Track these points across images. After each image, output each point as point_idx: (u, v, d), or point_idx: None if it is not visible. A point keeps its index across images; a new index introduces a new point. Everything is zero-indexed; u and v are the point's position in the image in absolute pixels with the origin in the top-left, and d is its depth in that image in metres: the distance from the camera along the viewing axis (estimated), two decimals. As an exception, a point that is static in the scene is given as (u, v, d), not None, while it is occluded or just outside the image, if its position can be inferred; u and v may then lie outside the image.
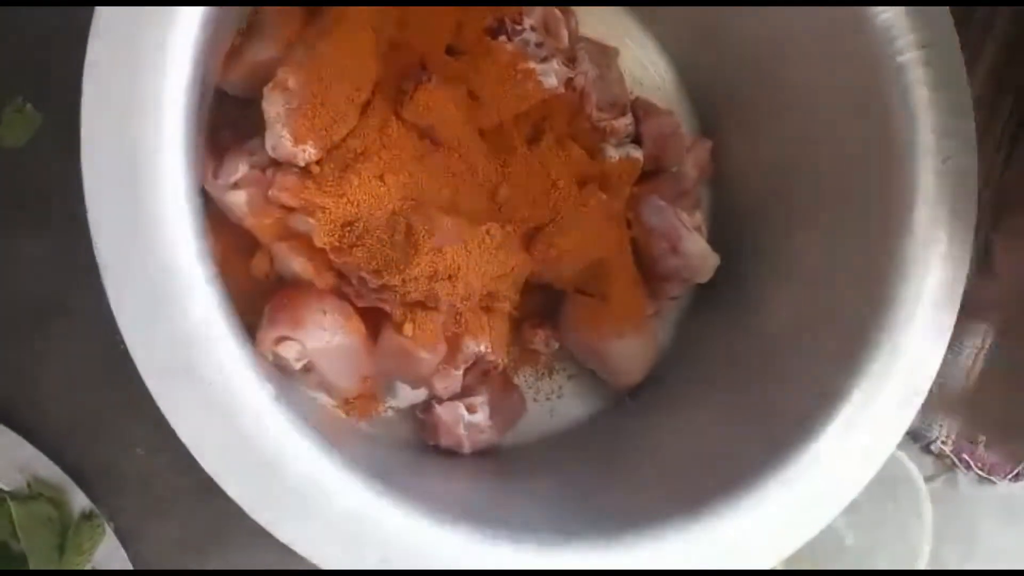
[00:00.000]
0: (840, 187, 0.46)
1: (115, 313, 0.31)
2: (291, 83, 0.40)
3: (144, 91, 0.31)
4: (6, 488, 0.46)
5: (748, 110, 0.52)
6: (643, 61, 0.55)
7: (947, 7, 0.42)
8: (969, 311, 0.55)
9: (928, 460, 0.61)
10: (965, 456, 0.60)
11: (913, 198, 0.42)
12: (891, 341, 0.42)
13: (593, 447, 0.51)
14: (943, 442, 0.60)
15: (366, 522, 0.35)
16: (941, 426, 0.60)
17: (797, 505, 0.41)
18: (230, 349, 0.33)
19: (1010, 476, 0.61)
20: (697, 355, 0.52)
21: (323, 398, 0.48)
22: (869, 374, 0.42)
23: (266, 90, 0.40)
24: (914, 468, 0.59)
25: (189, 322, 0.32)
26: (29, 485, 0.46)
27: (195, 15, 0.32)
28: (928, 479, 0.61)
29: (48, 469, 0.46)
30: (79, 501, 0.47)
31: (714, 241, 0.51)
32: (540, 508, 0.44)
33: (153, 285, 0.32)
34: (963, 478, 0.61)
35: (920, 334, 0.42)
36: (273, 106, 0.40)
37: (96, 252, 0.31)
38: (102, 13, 0.31)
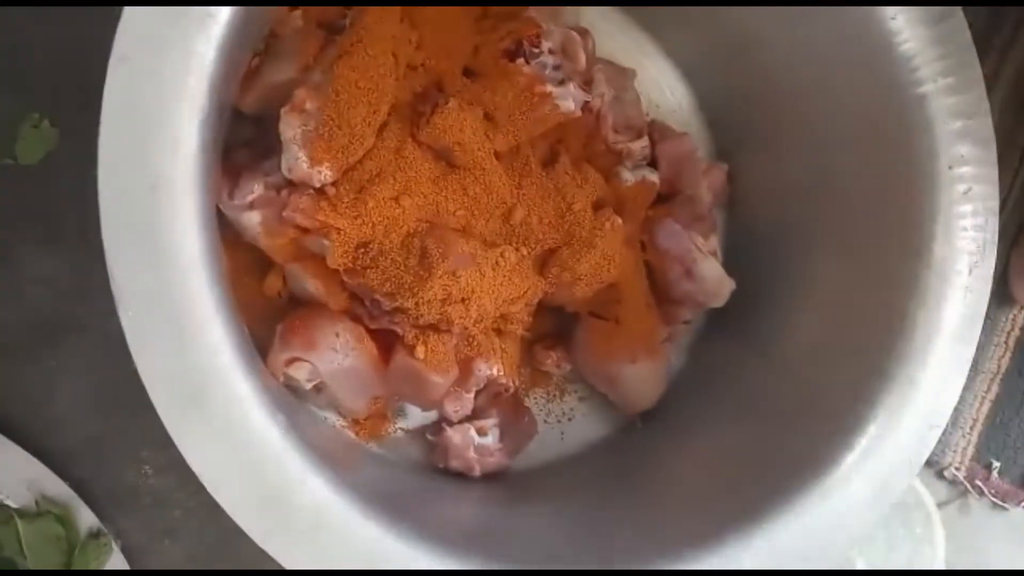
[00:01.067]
0: (858, 215, 0.46)
1: (128, 342, 0.31)
2: (308, 105, 0.40)
3: (163, 119, 0.31)
4: (14, 505, 0.46)
5: (765, 134, 0.52)
6: (660, 83, 0.54)
7: (968, 35, 0.42)
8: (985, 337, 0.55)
9: (941, 485, 0.60)
10: (978, 482, 0.60)
11: (933, 229, 0.42)
12: (908, 373, 0.41)
13: (603, 472, 0.50)
14: (956, 468, 0.60)
15: (376, 555, 0.35)
16: (955, 451, 0.60)
17: (810, 537, 0.40)
18: (243, 379, 0.33)
19: (1023, 503, 0.60)
20: (710, 381, 0.52)
21: (333, 418, 0.47)
22: (885, 406, 0.41)
23: (283, 112, 0.40)
24: (927, 493, 0.59)
25: (202, 352, 0.32)
26: (37, 503, 0.46)
27: (215, 40, 0.32)
28: (941, 505, 0.60)
29: (56, 487, 0.46)
30: (87, 519, 0.46)
31: (729, 266, 0.50)
32: (549, 536, 0.43)
33: (167, 314, 0.32)
34: (976, 504, 0.60)
35: (938, 367, 0.41)
36: (290, 128, 0.40)
37: (111, 279, 0.31)
38: (122, 38, 0.31)
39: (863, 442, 0.41)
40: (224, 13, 0.32)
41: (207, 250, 0.33)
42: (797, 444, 0.43)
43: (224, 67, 0.33)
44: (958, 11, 0.41)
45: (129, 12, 0.31)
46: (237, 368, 0.33)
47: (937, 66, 0.41)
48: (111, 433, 0.49)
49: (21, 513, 0.46)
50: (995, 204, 0.42)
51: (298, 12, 0.42)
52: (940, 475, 0.60)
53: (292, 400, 0.44)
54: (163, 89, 0.31)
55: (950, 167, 0.42)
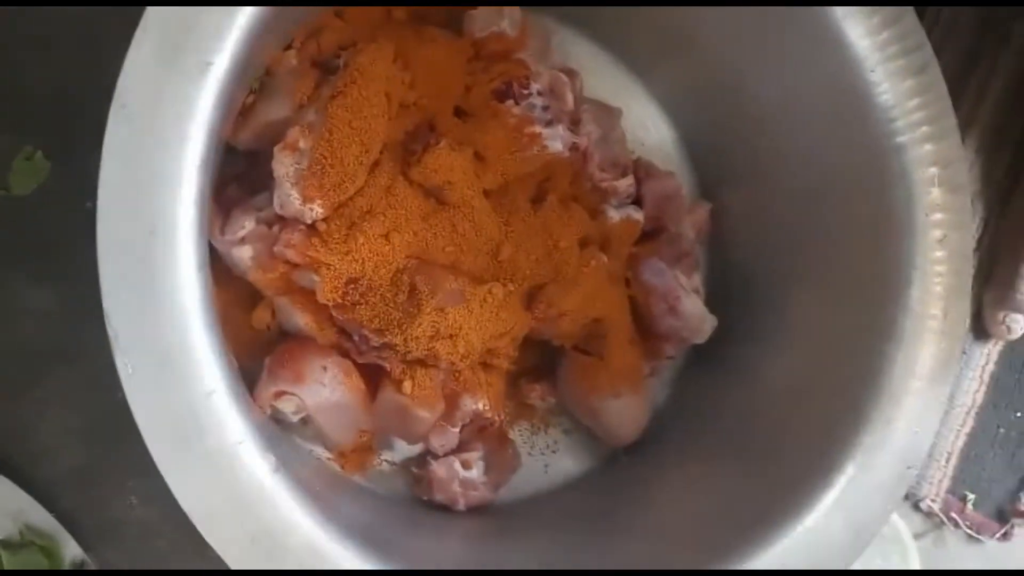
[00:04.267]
0: (836, 257, 0.47)
1: (124, 384, 0.31)
2: (301, 144, 0.40)
3: (163, 165, 0.32)
4: (-2, 536, 0.46)
5: (747, 174, 0.53)
6: (645, 122, 0.55)
7: (944, 87, 0.43)
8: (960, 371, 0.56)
9: (917, 517, 0.61)
10: (954, 514, 0.60)
11: (910, 274, 0.43)
12: (884, 414, 0.42)
13: (586, 505, 0.51)
14: (932, 500, 0.60)
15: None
16: (931, 484, 0.60)
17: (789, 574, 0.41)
18: (236, 421, 0.33)
19: (998, 535, 0.61)
20: (692, 415, 0.53)
21: (319, 450, 0.48)
22: (863, 446, 0.42)
23: (276, 150, 0.40)
24: (903, 526, 0.59)
25: (197, 396, 0.32)
26: (21, 533, 0.46)
27: (214, 87, 0.33)
28: (917, 536, 0.61)
29: (41, 517, 0.46)
30: (71, 550, 0.46)
31: (711, 303, 0.51)
32: (532, 570, 0.44)
33: (163, 358, 0.32)
34: (952, 536, 0.61)
35: (914, 408, 0.42)
36: (283, 166, 0.40)
37: (107, 323, 0.31)
38: (123, 85, 0.31)
39: (841, 481, 0.42)
40: (223, 62, 0.33)
41: (204, 295, 0.33)
42: (776, 481, 0.44)
43: (222, 112, 0.34)
44: (934, 63, 0.43)
45: (131, 59, 0.31)
46: (230, 410, 0.33)
47: (914, 116, 0.43)
48: (97, 464, 0.49)
49: (5, 544, 0.45)
50: (969, 251, 0.43)
51: (292, 52, 0.43)
52: (916, 507, 0.61)
53: (279, 434, 0.44)
54: (163, 136, 0.32)
55: (926, 214, 0.43)
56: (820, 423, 0.44)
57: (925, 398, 0.43)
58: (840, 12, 0.42)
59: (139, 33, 0.32)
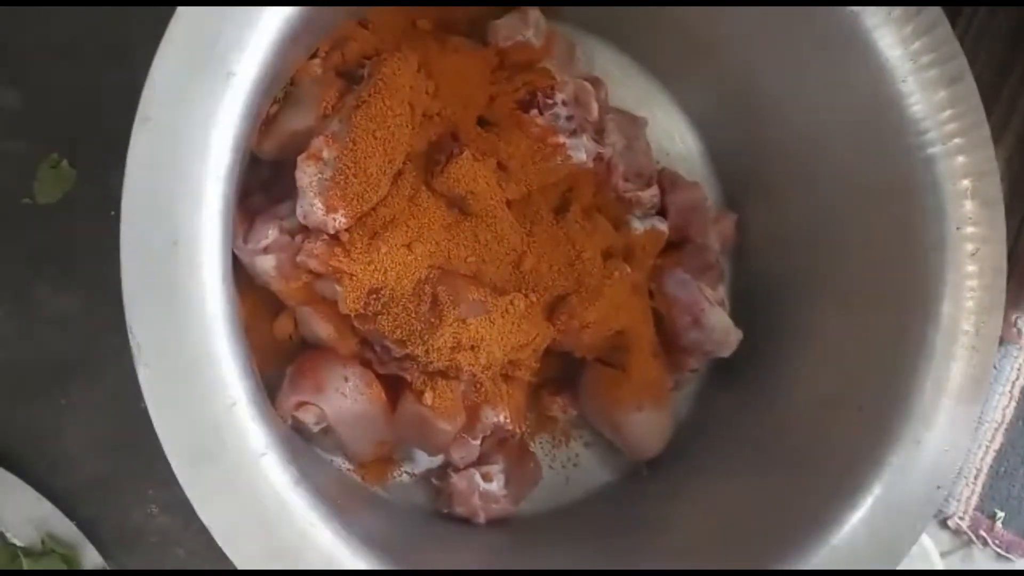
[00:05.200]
0: (865, 270, 0.46)
1: (145, 396, 0.31)
2: (325, 154, 0.40)
3: (186, 177, 0.32)
4: (20, 544, 0.46)
5: (774, 185, 0.52)
6: (671, 131, 0.55)
7: (978, 97, 0.42)
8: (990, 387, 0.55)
9: (945, 535, 0.60)
10: (983, 532, 0.59)
11: (941, 289, 0.42)
12: (914, 433, 0.41)
13: (607, 519, 0.50)
14: (960, 517, 0.60)
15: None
16: (959, 501, 0.60)
17: (815, 597, 0.40)
18: (257, 434, 0.33)
19: (1027, 554, 0.60)
20: (716, 430, 0.52)
21: (339, 461, 0.48)
22: (891, 466, 0.41)
23: (300, 160, 0.40)
24: (931, 543, 0.59)
25: (219, 408, 0.32)
26: (43, 542, 0.46)
27: (239, 99, 0.33)
28: (945, 554, 0.60)
29: (62, 526, 0.46)
30: (91, 559, 0.46)
31: (736, 315, 0.51)
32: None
33: (185, 370, 0.32)
34: (980, 554, 0.60)
35: (944, 427, 0.41)
36: (306, 176, 0.40)
37: (130, 334, 0.31)
38: (147, 97, 0.32)
39: (868, 501, 0.41)
40: (247, 73, 0.33)
41: (227, 305, 0.33)
42: (802, 499, 0.43)
43: (247, 123, 0.34)
44: (968, 74, 0.42)
45: (155, 70, 0.31)
46: (252, 423, 0.33)
47: (946, 128, 0.42)
48: (118, 472, 0.49)
49: (27, 552, 0.46)
50: (1002, 265, 0.43)
51: (317, 61, 0.43)
52: (944, 524, 0.60)
53: (300, 444, 0.44)
54: (187, 148, 0.32)
55: (958, 227, 0.42)
56: (847, 440, 0.44)
57: (956, 416, 0.42)
58: (871, 21, 0.41)
59: (164, 44, 0.32)
